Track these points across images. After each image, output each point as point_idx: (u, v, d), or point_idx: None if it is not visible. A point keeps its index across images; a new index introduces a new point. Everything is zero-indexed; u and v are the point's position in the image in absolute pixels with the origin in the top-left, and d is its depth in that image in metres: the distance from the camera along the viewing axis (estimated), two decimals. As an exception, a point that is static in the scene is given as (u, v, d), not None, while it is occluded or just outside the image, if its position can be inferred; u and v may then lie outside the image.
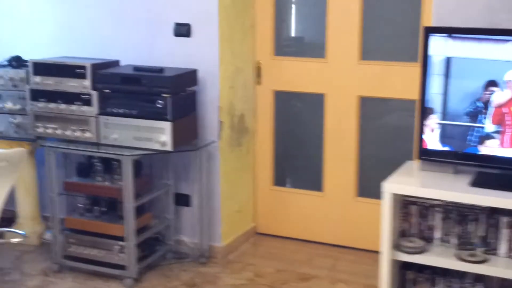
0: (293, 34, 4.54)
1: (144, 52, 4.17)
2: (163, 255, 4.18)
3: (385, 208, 3.14)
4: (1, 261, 3.63)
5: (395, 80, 4.06)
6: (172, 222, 4.23)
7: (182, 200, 4.26)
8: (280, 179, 4.58)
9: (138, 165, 3.90)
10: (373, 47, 4.14)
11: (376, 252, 4.17)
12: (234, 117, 4.24)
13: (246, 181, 4.50)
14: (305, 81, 4.33)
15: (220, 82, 4.04)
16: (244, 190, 4.49)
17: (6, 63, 4.30)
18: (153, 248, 4.11)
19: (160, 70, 3.81)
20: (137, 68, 3.87)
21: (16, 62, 4.27)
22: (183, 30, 4.05)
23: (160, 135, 3.72)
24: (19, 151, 3.28)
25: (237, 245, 4.41)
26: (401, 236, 3.33)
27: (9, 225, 4.33)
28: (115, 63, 4.05)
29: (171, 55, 4.09)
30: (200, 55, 4.02)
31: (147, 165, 4.11)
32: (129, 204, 3.76)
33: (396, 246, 3.24)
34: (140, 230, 3.89)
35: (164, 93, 3.68)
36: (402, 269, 3.34)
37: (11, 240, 3.83)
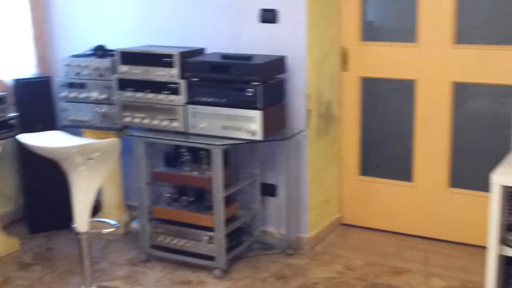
0: (381, 17, 4.36)
1: (229, 39, 4.08)
2: (249, 246, 4.11)
3: (494, 201, 2.96)
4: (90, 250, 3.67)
5: (493, 65, 3.84)
6: (258, 212, 4.16)
7: (268, 190, 4.18)
8: (367, 169, 4.43)
9: (225, 155, 3.83)
10: (469, 30, 3.94)
11: (472, 246, 4.03)
12: (321, 105, 4.12)
13: (332, 170, 4.39)
14: (394, 67, 4.16)
15: (307, 69, 3.92)
16: (330, 179, 4.37)
17: (90, 52, 4.30)
18: (240, 239, 4.05)
19: (249, 57, 3.72)
20: (225, 56, 3.79)
21: (101, 51, 4.26)
22: (269, 16, 3.95)
23: (250, 124, 3.63)
24: (113, 141, 3.26)
25: (323, 236, 4.31)
26: (507, 230, 3.15)
27: (93, 214, 4.34)
28: (201, 51, 3.98)
29: (256, 42, 3.99)
30: (287, 41, 3.91)
31: (233, 154, 4.04)
32: (218, 194, 3.70)
33: (503, 241, 3.06)
34: (228, 221, 3.83)
35: (254, 81, 3.59)
36: (507, 265, 3.17)
37: (103, 230, 3.83)
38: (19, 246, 4.20)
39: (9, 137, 4.14)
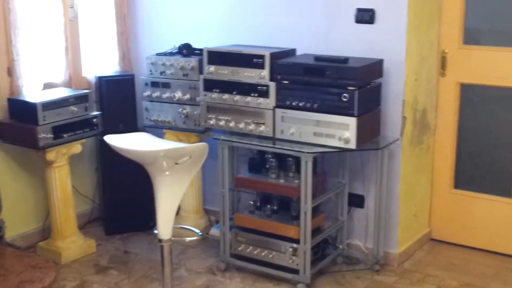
0: (484, 20, 4.04)
1: (320, 40, 3.86)
2: (333, 260, 3.89)
3: None
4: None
5: None
6: (344, 224, 3.92)
7: (356, 200, 3.94)
8: (461, 182, 4.13)
9: (314, 163, 3.61)
10: None
11: None
12: (416, 112, 3.85)
13: (424, 182, 4.11)
14: (496, 73, 3.85)
15: (405, 74, 3.66)
16: (421, 192, 4.09)
17: (175, 50, 4.15)
18: (324, 252, 3.83)
19: (345, 60, 3.48)
20: (318, 58, 3.57)
21: (186, 50, 4.11)
22: (365, 16, 3.70)
23: (344, 131, 3.40)
24: (201, 146, 3.08)
25: (412, 252, 4.04)
26: None
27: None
28: (292, 52, 3.78)
29: (350, 43, 3.76)
30: (384, 44, 3.66)
31: (319, 162, 3.82)
32: (306, 205, 3.49)
33: None
34: (313, 232, 3.61)
35: (350, 85, 3.35)
36: None
37: (186, 238, 3.68)
38: (95, 247, 4.10)
39: (91, 136, 4.05)
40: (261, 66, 3.58)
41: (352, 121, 3.38)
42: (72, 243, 3.98)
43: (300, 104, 3.51)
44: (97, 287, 3.65)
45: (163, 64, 4.06)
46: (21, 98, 3.82)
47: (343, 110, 3.39)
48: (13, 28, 3.85)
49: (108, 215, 4.36)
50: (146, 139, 3.33)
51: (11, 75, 3.88)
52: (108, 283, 3.69)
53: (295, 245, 3.58)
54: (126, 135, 3.34)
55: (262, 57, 3.57)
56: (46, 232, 4.16)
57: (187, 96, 4.02)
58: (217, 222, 4.37)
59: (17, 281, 3.08)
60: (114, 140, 3.20)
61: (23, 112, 3.74)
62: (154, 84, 4.11)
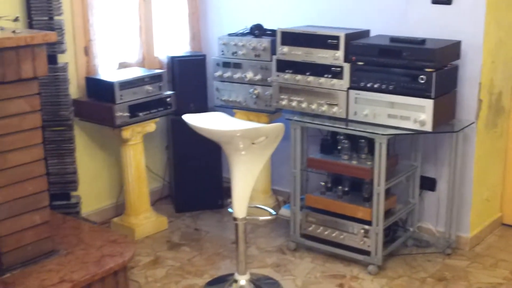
0: None
1: (395, 21, 3.82)
2: (404, 242, 3.87)
3: None
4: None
5: None
6: (415, 207, 3.90)
7: (427, 183, 3.91)
8: (535, 166, 4.06)
9: (387, 145, 3.59)
10: None
11: None
12: (492, 95, 3.78)
13: (497, 166, 4.03)
14: None
15: (483, 56, 3.59)
16: (494, 176, 4.02)
17: (247, 31, 4.17)
18: (395, 234, 3.82)
19: (422, 41, 3.44)
20: (394, 39, 3.53)
21: (258, 31, 4.12)
22: (443, -3, 3.65)
23: (419, 113, 3.37)
24: (278, 126, 3.11)
25: (483, 237, 3.99)
26: None
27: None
28: (366, 33, 3.75)
29: (426, 24, 3.70)
30: (462, 25, 3.59)
31: (391, 144, 3.80)
32: (379, 186, 3.48)
33: None
34: (385, 214, 3.60)
35: (428, 67, 3.31)
36: None
37: (260, 218, 3.72)
38: (167, 224, 4.19)
39: (165, 115, 4.13)
40: (335, 47, 3.57)
41: (428, 103, 3.34)
42: (145, 220, 4.08)
43: (375, 86, 3.48)
44: (171, 263, 3.73)
45: (235, 45, 4.09)
46: (99, 77, 3.91)
47: (419, 92, 3.35)
48: (90, 8, 3.93)
49: (178, 193, 4.43)
50: (223, 118, 3.37)
51: (88, 55, 3.98)
52: (181, 260, 3.77)
53: (366, 227, 3.58)
54: (203, 115, 3.39)
55: (337, 38, 3.55)
56: (119, 208, 4.28)
57: (258, 77, 4.04)
58: (285, 202, 4.41)
59: (98, 255, 3.19)
60: (191, 119, 3.26)
61: (100, 91, 3.83)
62: (226, 65, 4.15)
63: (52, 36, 3.02)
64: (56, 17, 3.63)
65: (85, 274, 3.00)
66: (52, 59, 3.60)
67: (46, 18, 3.60)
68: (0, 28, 2.94)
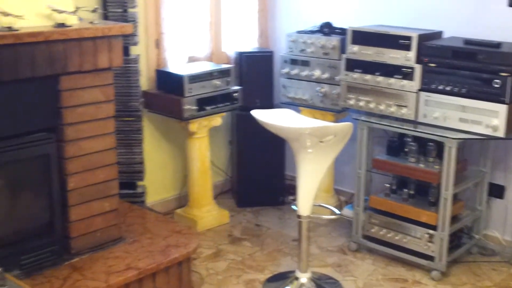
0: None
1: (469, 23, 3.73)
2: (468, 249, 3.79)
3: None
4: (297, 232, 3.58)
5: None
6: (482, 214, 3.81)
7: (496, 191, 3.81)
8: None
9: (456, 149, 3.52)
10: None
11: None
12: None
13: None
14: None
15: (561, 62, 3.48)
16: None
17: (316, 29, 4.16)
18: (460, 241, 3.75)
19: (497, 44, 3.36)
20: (468, 42, 3.46)
21: (328, 28, 4.10)
22: (521, 0, 3.55)
23: (492, 118, 3.29)
24: (347, 125, 3.09)
25: (551, 248, 3.88)
26: None
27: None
28: (439, 35, 3.68)
29: (502, 28, 3.60)
30: (540, 29, 3.50)
31: (460, 148, 3.71)
32: (447, 191, 3.42)
33: None
34: (451, 220, 3.54)
35: (503, 71, 3.23)
36: None
37: (324, 216, 3.71)
38: (229, 218, 4.22)
39: (231, 110, 4.16)
40: (407, 48, 3.52)
41: (502, 109, 3.25)
42: (208, 212, 4.12)
43: (447, 88, 3.42)
44: (232, 257, 3.76)
45: (304, 42, 4.08)
46: (168, 70, 3.97)
47: (493, 96, 3.27)
48: (163, 1, 3.99)
49: (240, 188, 4.46)
50: (291, 115, 3.37)
51: (159, 47, 4.04)
52: (243, 254, 3.80)
53: (431, 232, 3.53)
54: (271, 111, 3.40)
55: (409, 38, 3.51)
56: (182, 200, 4.33)
57: (326, 75, 4.02)
58: (347, 202, 4.39)
59: (164, 245, 3.24)
60: (260, 115, 3.27)
61: (170, 83, 3.88)
62: (293, 62, 4.15)
63: (128, 28, 3.08)
64: (130, 10, 3.70)
65: (151, 263, 3.05)
66: (125, 50, 3.65)
67: (120, 10, 3.68)
68: (79, 18, 3.01)
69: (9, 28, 2.65)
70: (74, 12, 2.93)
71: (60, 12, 2.85)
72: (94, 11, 3.10)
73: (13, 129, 2.80)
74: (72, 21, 2.91)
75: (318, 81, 4.07)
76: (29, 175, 2.97)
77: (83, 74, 2.95)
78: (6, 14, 2.65)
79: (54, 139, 2.94)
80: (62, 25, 2.83)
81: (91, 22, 3.01)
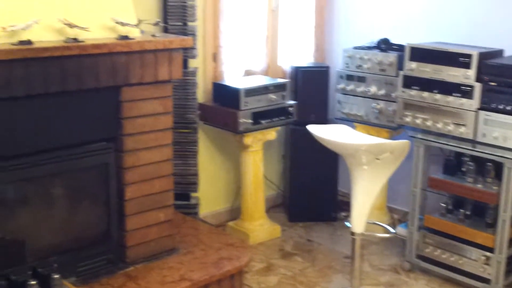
0: None
1: (531, 41, 3.67)
2: (525, 273, 3.70)
3: None
4: (349, 248, 3.56)
5: None
6: (540, 238, 3.71)
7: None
8: None
9: None
10: None
11: None
12: None
13: None
14: None
15: None
16: None
17: (373, 45, 4.14)
18: (517, 264, 3.66)
19: (562, 64, 3.28)
20: (531, 61, 3.40)
21: (385, 45, 4.08)
22: None
23: (555, 140, 3.21)
24: (404, 143, 3.05)
25: None
26: None
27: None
28: (499, 53, 3.61)
29: None
30: None
31: None
32: (505, 213, 3.34)
33: None
34: (509, 242, 3.45)
35: None
36: None
37: (378, 234, 3.67)
38: (280, 232, 4.22)
39: (286, 124, 4.17)
40: (467, 66, 3.46)
41: None
42: (260, 226, 4.12)
43: (508, 108, 3.35)
44: (283, 272, 3.75)
45: (361, 58, 4.06)
46: (225, 83, 4.00)
47: (556, 117, 3.20)
48: (221, 16, 4.04)
49: (292, 203, 4.45)
50: (347, 131, 3.35)
51: (216, 61, 4.08)
52: (293, 269, 3.78)
53: (488, 254, 3.44)
54: (327, 126, 3.38)
55: (469, 56, 3.45)
56: (233, 212, 4.35)
57: (382, 92, 4.00)
58: (400, 220, 4.33)
59: (216, 257, 3.26)
60: (316, 130, 3.26)
61: (226, 96, 3.92)
62: (349, 77, 4.13)
63: (188, 42, 3.13)
64: (190, 23, 3.75)
65: (204, 275, 3.07)
66: (183, 63, 3.71)
67: (180, 23, 3.74)
68: (141, 31, 3.08)
69: (75, 40, 2.72)
70: (136, 25, 3.00)
71: (124, 24, 2.92)
72: (156, 24, 3.17)
73: (75, 139, 2.87)
74: (134, 33, 2.98)
75: (374, 97, 4.04)
76: (88, 184, 3.03)
77: (144, 85, 3.01)
78: (72, 26, 2.73)
79: (113, 149, 3.00)
80: (125, 37, 2.90)
81: (152, 35, 3.07)
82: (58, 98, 2.76)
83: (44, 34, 2.71)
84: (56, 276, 2.65)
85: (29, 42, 2.59)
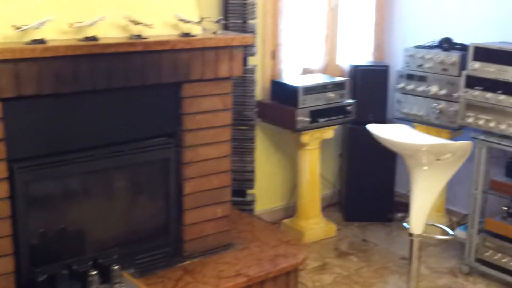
0: None
1: None
2: None
3: None
4: (405, 250, 3.51)
5: None
6: None
7: None
8: None
9: None
10: None
11: None
12: None
13: None
14: None
15: None
16: None
17: (435, 44, 4.07)
18: None
19: None
20: None
21: (447, 44, 4.00)
22: None
23: None
24: (466, 144, 3.00)
25: None
26: None
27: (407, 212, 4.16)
28: None
29: None
30: None
31: None
32: None
33: None
34: None
35: None
36: None
37: (437, 236, 3.62)
38: (335, 232, 4.20)
39: (343, 123, 4.15)
40: (533, 66, 3.38)
41: None
42: (315, 224, 4.11)
43: None
44: (338, 271, 3.73)
45: (422, 57, 4.00)
46: (284, 81, 4.01)
47: None
48: (281, 13, 4.04)
49: (348, 202, 4.43)
50: (407, 131, 3.31)
51: (274, 58, 4.09)
52: (349, 269, 3.76)
53: (551, 260, 3.36)
54: (387, 126, 3.35)
55: (536, 56, 3.37)
56: (288, 210, 4.35)
57: (444, 92, 3.92)
58: (459, 223, 4.24)
59: (272, 254, 3.27)
60: (376, 129, 3.23)
61: (284, 94, 3.92)
62: (410, 77, 4.07)
63: (249, 39, 3.15)
64: (250, 21, 3.77)
65: (260, 271, 3.08)
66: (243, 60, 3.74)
67: (240, 21, 3.76)
68: (202, 28, 3.11)
69: (139, 36, 2.77)
70: (198, 23, 3.03)
71: (186, 22, 2.95)
72: (218, 21, 3.19)
73: (137, 133, 2.93)
74: (196, 31, 3.01)
75: (435, 98, 3.97)
76: (149, 178, 3.09)
77: (204, 82, 3.04)
78: (136, 23, 2.78)
79: (173, 144, 3.04)
80: (187, 34, 2.93)
81: (214, 32, 3.10)
82: (121, 94, 2.82)
83: (109, 31, 2.76)
84: (116, 267, 2.71)
85: (94, 38, 2.65)
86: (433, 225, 3.49)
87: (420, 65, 4.01)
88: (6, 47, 2.43)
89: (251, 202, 3.98)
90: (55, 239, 2.82)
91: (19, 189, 2.59)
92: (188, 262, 3.13)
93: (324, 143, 4.25)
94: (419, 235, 3.22)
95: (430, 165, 3.08)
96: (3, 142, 2.52)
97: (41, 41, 2.50)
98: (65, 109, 2.68)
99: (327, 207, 4.59)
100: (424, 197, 3.18)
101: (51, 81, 2.56)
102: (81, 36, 2.66)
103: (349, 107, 4.04)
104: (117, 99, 2.83)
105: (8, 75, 2.45)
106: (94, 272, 2.65)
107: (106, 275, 2.70)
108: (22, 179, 2.60)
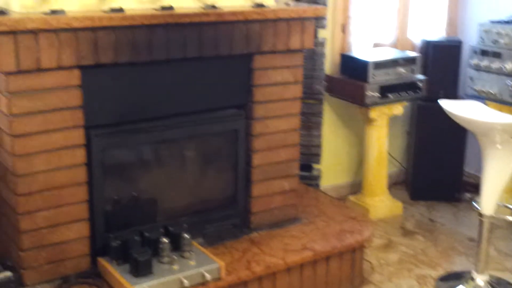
0: None
1: None
2: None
3: None
4: (473, 231, 3.44)
5: None
6: None
7: None
8: None
9: None
10: None
11: None
12: None
13: None
14: None
15: None
16: None
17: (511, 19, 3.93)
18: None
19: None
20: None
21: (528, 19, 3.86)
22: None
23: None
24: (546, 123, 2.90)
25: None
26: None
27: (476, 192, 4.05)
28: None
29: None
30: None
31: None
32: None
33: None
34: None
35: None
36: None
37: (509, 217, 3.52)
38: (401, 210, 4.14)
39: (413, 100, 4.07)
40: None
41: None
42: (381, 202, 4.07)
43: None
44: (404, 250, 3.69)
45: (498, 33, 3.86)
46: (353, 55, 3.95)
47: None
48: (352, -14, 3.98)
49: (415, 180, 4.35)
50: (481, 108, 3.22)
51: (344, 32, 4.03)
52: (415, 248, 3.71)
53: None
54: (460, 102, 3.27)
55: None
56: (354, 187, 4.32)
57: (520, 69, 3.80)
58: (530, 205, 4.12)
59: (338, 229, 3.26)
60: (449, 105, 3.15)
61: (354, 68, 3.86)
62: (484, 53, 3.94)
63: (321, 11, 3.11)
64: (321, -7, 3.73)
65: (326, 246, 3.07)
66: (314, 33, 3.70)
67: (312, -7, 3.72)
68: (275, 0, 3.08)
69: (213, 7, 2.77)
70: (271, -6, 3.00)
71: (259, -7, 2.93)
72: (290, -7, 3.16)
73: (209, 104, 2.95)
74: (269, 2, 2.98)
75: (510, 75, 3.83)
76: (218, 149, 3.11)
77: (276, 54, 3.02)
78: (210, -7, 2.78)
79: (243, 116, 3.05)
80: (260, 5, 2.91)
81: (286, 4, 3.07)
82: (194, 64, 2.83)
83: (184, 1, 2.77)
84: (186, 236, 2.75)
85: (170, 7, 2.67)
86: (506, 206, 3.40)
87: (496, 41, 3.88)
88: (85, 15, 2.47)
89: (317, 177, 3.96)
90: (128, 206, 2.88)
91: (95, 156, 2.65)
92: (254, 234, 3.15)
93: (392, 120, 4.19)
94: (490, 216, 3.14)
95: (504, 144, 2.99)
96: (81, 109, 2.58)
97: (120, 10, 2.54)
98: (140, 78, 2.71)
99: (394, 185, 4.52)
100: (496, 177, 3.10)
101: (127, 50, 2.60)
102: (157, 5, 2.68)
103: (419, 83, 3.95)
104: (190, 70, 2.84)
105: (86, 43, 2.50)
106: (166, 240, 2.71)
107: (176, 243, 2.75)
108: (98, 146, 2.65)
